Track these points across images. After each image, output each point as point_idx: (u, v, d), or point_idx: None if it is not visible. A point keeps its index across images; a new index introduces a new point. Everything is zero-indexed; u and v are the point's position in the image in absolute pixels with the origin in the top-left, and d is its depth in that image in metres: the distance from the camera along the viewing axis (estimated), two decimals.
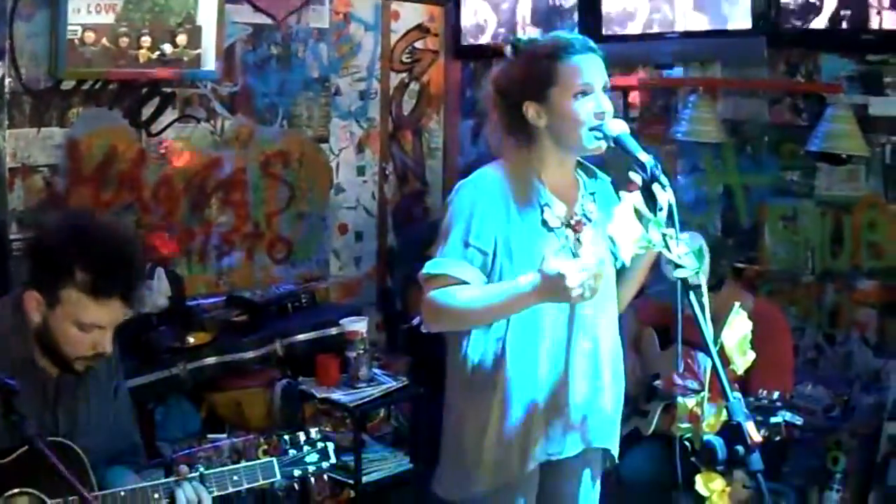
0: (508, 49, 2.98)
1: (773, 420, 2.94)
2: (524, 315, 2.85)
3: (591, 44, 2.91)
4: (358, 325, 4.80)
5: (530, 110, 2.88)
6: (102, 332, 2.79)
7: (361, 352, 4.75)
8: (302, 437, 3.12)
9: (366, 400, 4.65)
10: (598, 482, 3.18)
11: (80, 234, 2.80)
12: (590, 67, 2.85)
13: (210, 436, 4.63)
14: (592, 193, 3.02)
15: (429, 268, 2.89)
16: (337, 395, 4.66)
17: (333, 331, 5.04)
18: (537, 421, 2.94)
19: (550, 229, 2.90)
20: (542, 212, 2.90)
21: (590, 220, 2.97)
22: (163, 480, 2.87)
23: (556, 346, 2.92)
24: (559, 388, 2.94)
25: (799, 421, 2.99)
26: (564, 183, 2.97)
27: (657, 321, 4.19)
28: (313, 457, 3.12)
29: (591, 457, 3.08)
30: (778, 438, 2.97)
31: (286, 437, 3.12)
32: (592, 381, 2.99)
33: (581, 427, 2.98)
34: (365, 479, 4.66)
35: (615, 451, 3.14)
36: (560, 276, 2.56)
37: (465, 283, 2.83)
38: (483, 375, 2.95)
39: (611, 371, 3.05)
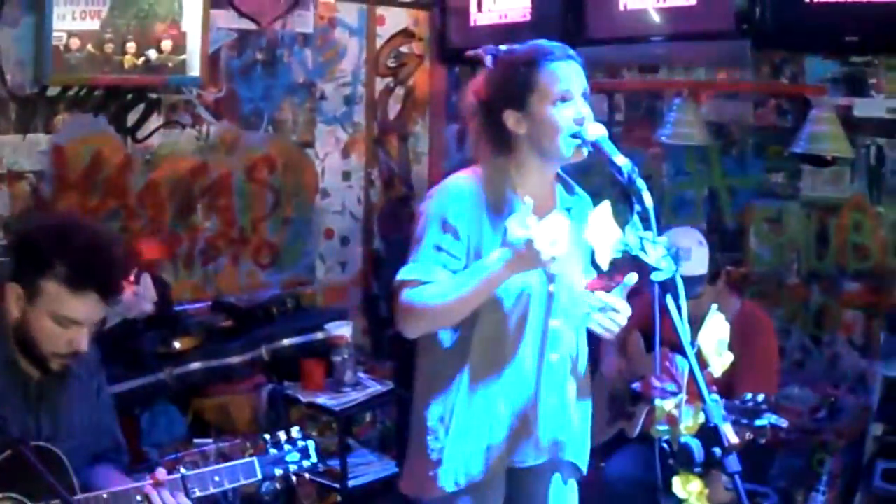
0: (488, 58, 2.98)
1: (758, 423, 2.94)
2: (490, 324, 2.87)
3: (570, 51, 2.91)
4: (343, 330, 4.82)
5: (510, 118, 2.87)
6: (79, 328, 2.79)
7: (347, 356, 4.77)
8: (283, 436, 3.12)
9: (351, 404, 4.67)
10: (574, 489, 3.18)
11: (63, 228, 2.82)
12: (569, 74, 2.85)
13: (196, 440, 4.63)
14: (568, 209, 2.96)
15: (401, 274, 2.87)
16: (322, 400, 4.68)
17: (319, 335, 5.04)
18: (500, 427, 2.94)
19: None
20: None
21: None
22: (143, 483, 2.86)
23: (522, 356, 2.93)
24: (524, 397, 2.94)
25: (784, 424, 2.98)
26: (541, 194, 2.90)
27: (644, 323, 4.19)
28: (294, 455, 3.10)
29: (560, 465, 3.08)
30: (763, 441, 2.96)
31: (266, 436, 3.13)
32: (559, 394, 2.99)
33: (546, 437, 2.99)
34: (351, 483, 4.68)
35: (583, 466, 3.13)
36: (528, 241, 2.57)
37: None
38: (446, 379, 2.96)
39: (577, 385, 3.05)
